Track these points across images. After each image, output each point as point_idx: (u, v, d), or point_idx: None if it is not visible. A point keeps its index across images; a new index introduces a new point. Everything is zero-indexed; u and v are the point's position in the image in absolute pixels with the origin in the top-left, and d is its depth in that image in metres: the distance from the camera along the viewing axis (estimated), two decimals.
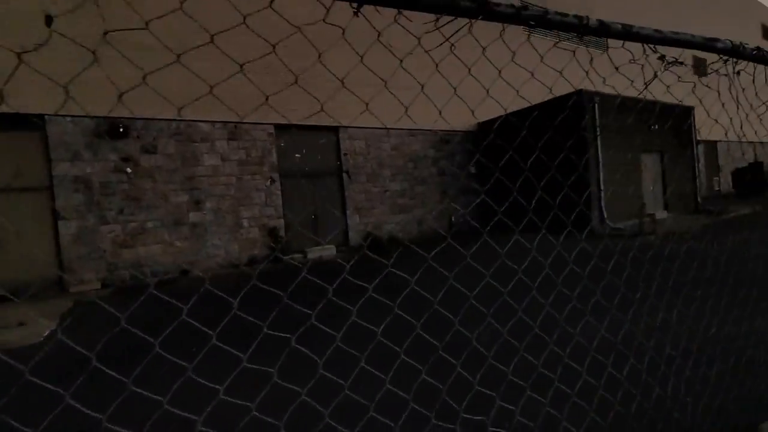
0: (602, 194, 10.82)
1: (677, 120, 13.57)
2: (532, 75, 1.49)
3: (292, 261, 9.42)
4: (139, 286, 7.93)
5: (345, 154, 10.99)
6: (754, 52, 1.34)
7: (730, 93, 1.61)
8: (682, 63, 1.31)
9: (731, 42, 1.28)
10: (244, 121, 9.41)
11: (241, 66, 1.03)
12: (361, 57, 1.08)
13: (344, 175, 10.96)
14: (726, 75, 1.38)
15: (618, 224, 10.93)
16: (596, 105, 10.67)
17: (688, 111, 13.65)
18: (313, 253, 10.04)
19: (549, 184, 1.78)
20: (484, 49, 1.24)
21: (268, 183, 9.80)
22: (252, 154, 9.62)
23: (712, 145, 23.95)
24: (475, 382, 1.55)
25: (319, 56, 1.11)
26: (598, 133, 10.69)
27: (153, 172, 8.54)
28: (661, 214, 12.57)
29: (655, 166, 12.90)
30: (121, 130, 8.16)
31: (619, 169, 11.43)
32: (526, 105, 10.62)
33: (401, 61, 1.17)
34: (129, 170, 8.27)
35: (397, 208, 11.92)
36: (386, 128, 11.07)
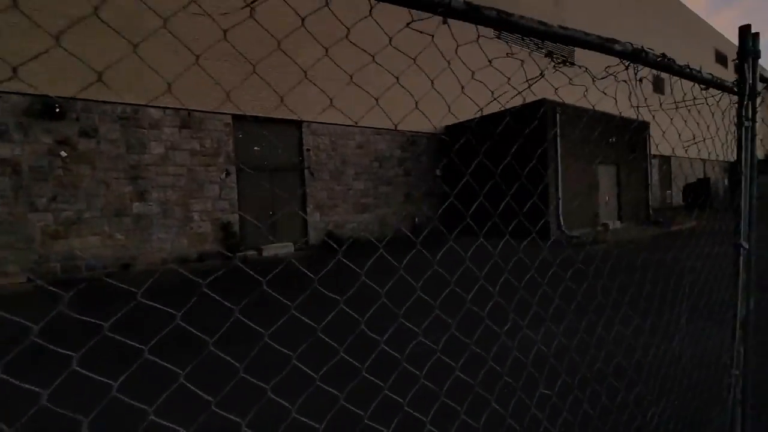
0: (560, 203, 11.07)
1: (634, 134, 14.14)
2: (509, 80, 1.33)
3: (245, 258, 9.01)
4: (71, 280, 7.31)
5: (307, 150, 10.67)
6: (659, 59, 1.23)
7: (637, 100, 1.52)
8: (573, 64, 1.19)
9: (631, 45, 1.16)
10: (198, 109, 8.91)
11: (198, 56, 0.81)
12: (326, 50, 0.87)
13: (306, 171, 10.64)
14: (626, 81, 1.27)
15: (574, 232, 11.22)
16: (558, 115, 10.90)
17: (644, 126, 14.25)
18: (269, 250, 9.67)
19: (510, 190, 1.71)
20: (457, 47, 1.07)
21: (223, 175, 9.33)
22: (206, 144, 9.12)
23: (665, 160, 25.28)
24: (404, 403, 1.37)
25: (279, 43, 0.89)
26: (558, 143, 10.93)
27: (93, 157, 7.90)
28: (615, 224, 13.05)
29: (611, 177, 13.37)
30: (58, 110, 7.49)
31: (577, 179, 11.76)
32: (493, 111, 10.72)
33: (373, 56, 0.97)
34: (64, 154, 7.60)
35: (360, 208, 11.72)
36: (355, 125, 10.86)
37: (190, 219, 8.91)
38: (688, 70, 1.39)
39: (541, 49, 1.08)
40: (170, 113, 8.69)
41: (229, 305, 1.03)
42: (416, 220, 12.88)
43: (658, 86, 24.44)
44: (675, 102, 1.78)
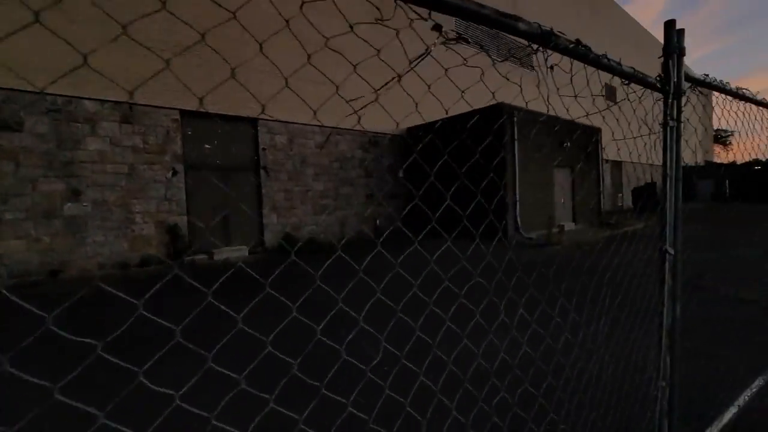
0: (517, 205, 11.28)
1: (587, 139, 14.73)
2: (483, 81, 1.15)
3: (193, 262, 8.48)
4: None
5: (264, 149, 10.24)
6: (571, 45, 1.12)
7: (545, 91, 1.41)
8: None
9: (540, 26, 1.03)
10: (141, 102, 8.30)
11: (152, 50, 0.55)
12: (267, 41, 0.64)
13: (262, 171, 10.20)
14: (550, 68, 1.14)
15: (531, 234, 11.47)
16: (515, 119, 11.11)
17: (595, 131, 14.87)
18: (221, 254, 9.16)
19: (471, 192, 1.72)
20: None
21: (170, 174, 8.74)
22: (150, 140, 8.51)
23: (617, 165, 26.67)
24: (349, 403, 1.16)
25: (210, 25, 0.65)
26: (516, 146, 11.14)
27: (17, 153, 7.13)
28: (569, 226, 13.49)
29: (566, 180, 13.83)
30: None
31: (534, 182, 12.05)
32: (452, 113, 10.74)
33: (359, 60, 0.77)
34: None
35: (320, 209, 11.41)
36: (322, 124, 10.54)
37: (132, 221, 8.26)
38: (606, 60, 1.29)
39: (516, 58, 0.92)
40: (109, 107, 8.03)
41: (169, 325, 0.82)
42: (378, 221, 12.72)
43: (609, 94, 25.75)
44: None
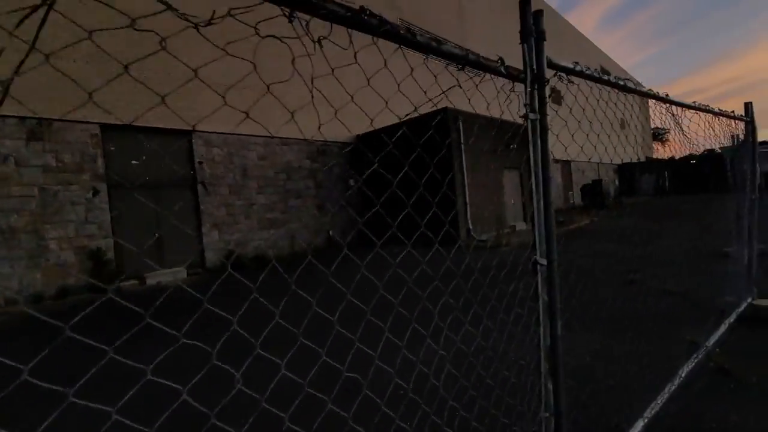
0: (468, 208, 11.32)
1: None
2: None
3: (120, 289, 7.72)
4: None
5: (200, 163, 9.64)
6: (382, 26, 0.88)
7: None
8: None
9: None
10: (54, 117, 7.52)
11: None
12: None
13: (199, 186, 9.58)
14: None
15: (483, 236, 11.53)
16: (461, 123, 11.19)
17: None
18: (155, 278, 8.44)
19: (422, 198, 1.75)
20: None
21: (90, 195, 7.97)
22: (65, 159, 7.72)
23: (566, 164, 27.86)
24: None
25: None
26: (462, 150, 11.20)
27: None
28: (521, 225, 13.74)
29: (515, 181, 14.12)
30: None
31: (484, 184, 12.17)
32: (396, 120, 10.66)
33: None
34: None
35: (267, 223, 10.89)
36: (271, 134, 10.06)
37: (45, 248, 7.42)
38: (435, 44, 1.06)
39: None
40: (13, 123, 7.21)
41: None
42: (331, 233, 12.35)
43: (556, 98, 26.93)
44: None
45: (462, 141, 11.19)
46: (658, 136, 48.29)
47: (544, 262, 1.35)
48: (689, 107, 3.04)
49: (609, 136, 2.85)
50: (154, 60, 8.16)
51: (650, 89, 2.49)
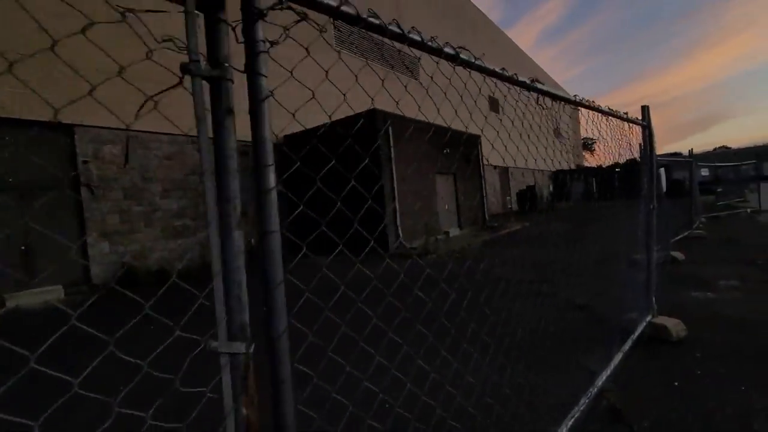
0: (398, 214, 10.87)
1: (468, 146, 15.16)
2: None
3: None
4: None
5: (85, 162, 8.26)
6: None
7: None
8: None
9: None
10: None
11: None
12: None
13: (83, 189, 8.20)
14: None
15: (414, 243, 11.14)
16: (390, 126, 10.73)
17: (476, 139, 15.42)
18: (19, 299, 6.99)
19: (350, 204, 1.69)
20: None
21: None
22: None
23: (504, 170, 28.77)
24: None
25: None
26: (392, 153, 10.75)
27: None
28: (455, 231, 13.59)
29: (449, 187, 13.97)
30: None
31: (416, 189, 11.81)
32: (324, 121, 10.01)
33: None
34: None
35: (173, 232, 9.65)
36: (186, 131, 8.85)
37: None
38: None
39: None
40: None
41: None
42: (253, 241, 11.32)
43: (493, 105, 27.74)
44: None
45: (392, 144, 10.74)
46: (588, 145, 51.99)
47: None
48: (579, 105, 2.67)
49: (546, 148, 2.89)
50: (33, 41, 6.82)
51: (539, 83, 2.03)
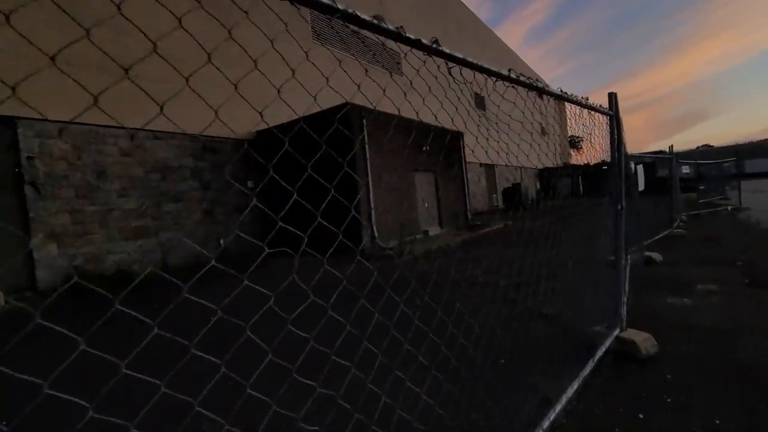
0: (373, 213, 10.44)
1: (451, 143, 14.78)
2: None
3: None
4: None
5: (30, 158, 7.65)
6: None
7: None
8: None
9: None
10: None
11: None
12: None
13: (28, 187, 7.59)
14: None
15: (391, 243, 10.73)
16: (365, 121, 10.28)
17: (458, 136, 15.04)
18: None
19: (322, 202, 1.52)
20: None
21: None
22: None
23: (490, 168, 28.52)
24: None
25: None
26: (367, 149, 10.31)
27: None
28: (435, 230, 13.21)
29: (430, 185, 13.58)
30: None
31: (393, 188, 11.38)
32: (294, 116, 9.49)
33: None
34: None
35: (133, 233, 9.08)
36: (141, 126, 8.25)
37: None
38: None
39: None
40: None
41: None
42: (222, 241, 10.79)
43: (480, 103, 27.45)
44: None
45: (367, 139, 10.29)
46: (574, 143, 52.19)
47: None
48: (545, 92, 2.28)
49: (531, 145, 2.92)
50: None
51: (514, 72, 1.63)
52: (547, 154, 3.50)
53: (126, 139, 9.03)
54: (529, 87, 2.23)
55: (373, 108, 10.29)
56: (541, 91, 2.35)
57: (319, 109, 10.90)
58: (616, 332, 3.04)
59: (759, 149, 46.52)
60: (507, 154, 2.54)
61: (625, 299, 3.21)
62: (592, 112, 2.96)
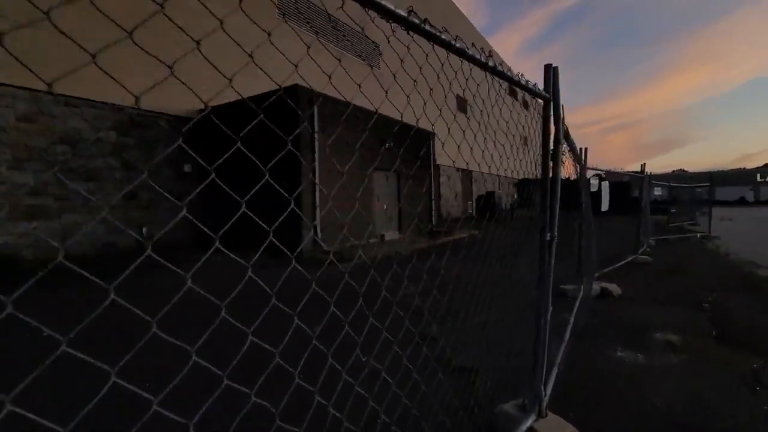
0: (318, 211, 9.36)
1: (419, 143, 13.79)
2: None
3: None
4: None
5: None
6: None
7: None
8: None
9: None
10: None
11: None
12: None
13: None
14: None
15: (335, 246, 9.66)
16: (316, 107, 9.18)
17: (428, 134, 14.08)
18: None
19: (262, 195, 1.41)
20: None
21: None
22: None
23: (467, 173, 27.80)
24: None
25: None
26: (317, 140, 9.21)
27: None
28: (392, 235, 12.23)
29: (391, 186, 12.58)
30: None
31: (347, 185, 10.31)
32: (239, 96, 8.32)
33: None
34: None
35: (27, 212, 7.73)
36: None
37: None
38: None
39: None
40: None
41: None
42: (144, 230, 9.50)
43: (461, 106, 26.66)
44: None
45: (316, 129, 9.19)
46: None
47: None
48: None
49: (510, 154, 2.68)
50: None
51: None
52: (527, 165, 3.01)
53: (27, 103, 7.65)
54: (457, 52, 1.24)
55: (328, 94, 9.20)
56: (463, 55, 1.36)
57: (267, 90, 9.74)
58: (530, 421, 2.07)
59: (729, 177, 47.73)
60: (485, 161, 2.34)
61: (554, 370, 2.26)
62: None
